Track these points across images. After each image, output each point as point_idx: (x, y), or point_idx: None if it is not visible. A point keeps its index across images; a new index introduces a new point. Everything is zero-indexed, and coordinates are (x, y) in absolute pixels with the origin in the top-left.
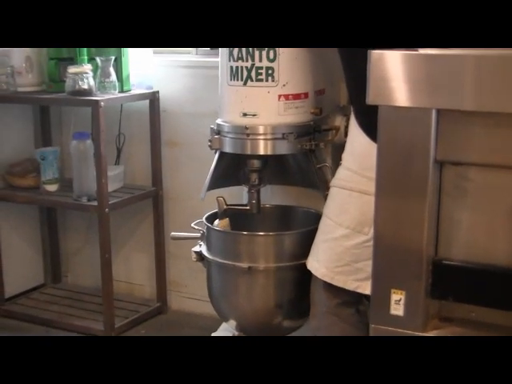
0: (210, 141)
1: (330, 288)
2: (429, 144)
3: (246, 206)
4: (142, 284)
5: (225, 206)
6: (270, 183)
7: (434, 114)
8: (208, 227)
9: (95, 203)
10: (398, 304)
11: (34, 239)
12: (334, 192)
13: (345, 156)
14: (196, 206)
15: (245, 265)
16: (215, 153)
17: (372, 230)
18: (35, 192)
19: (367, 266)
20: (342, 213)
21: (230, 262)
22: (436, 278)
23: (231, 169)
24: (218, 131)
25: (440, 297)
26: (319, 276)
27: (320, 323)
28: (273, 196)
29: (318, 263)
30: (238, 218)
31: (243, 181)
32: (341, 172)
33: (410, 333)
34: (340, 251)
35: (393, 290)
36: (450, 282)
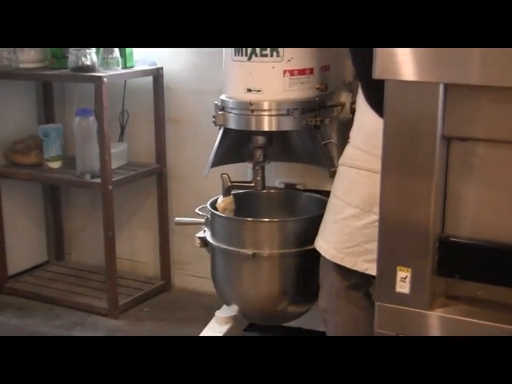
0: (214, 117)
1: (339, 270)
2: (436, 119)
3: (250, 182)
4: (146, 262)
5: (229, 183)
6: (274, 160)
7: (441, 88)
8: (212, 213)
9: (98, 180)
10: (403, 281)
11: (37, 217)
12: (341, 171)
13: (352, 134)
14: (200, 183)
15: (249, 251)
16: (219, 129)
17: None
18: (38, 169)
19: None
20: (350, 192)
21: (234, 249)
22: (442, 255)
23: (235, 145)
24: (222, 107)
25: (446, 274)
26: (329, 257)
27: (328, 306)
28: (277, 173)
29: (327, 244)
30: (242, 202)
31: (247, 158)
32: (349, 150)
33: (415, 311)
34: (349, 231)
35: (399, 268)
36: (457, 259)
